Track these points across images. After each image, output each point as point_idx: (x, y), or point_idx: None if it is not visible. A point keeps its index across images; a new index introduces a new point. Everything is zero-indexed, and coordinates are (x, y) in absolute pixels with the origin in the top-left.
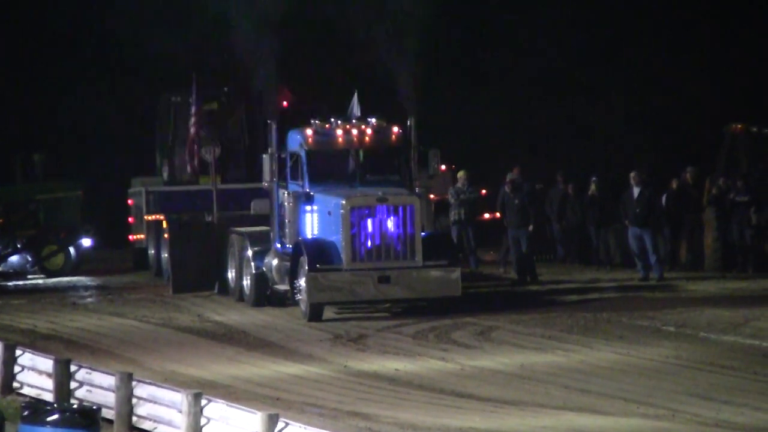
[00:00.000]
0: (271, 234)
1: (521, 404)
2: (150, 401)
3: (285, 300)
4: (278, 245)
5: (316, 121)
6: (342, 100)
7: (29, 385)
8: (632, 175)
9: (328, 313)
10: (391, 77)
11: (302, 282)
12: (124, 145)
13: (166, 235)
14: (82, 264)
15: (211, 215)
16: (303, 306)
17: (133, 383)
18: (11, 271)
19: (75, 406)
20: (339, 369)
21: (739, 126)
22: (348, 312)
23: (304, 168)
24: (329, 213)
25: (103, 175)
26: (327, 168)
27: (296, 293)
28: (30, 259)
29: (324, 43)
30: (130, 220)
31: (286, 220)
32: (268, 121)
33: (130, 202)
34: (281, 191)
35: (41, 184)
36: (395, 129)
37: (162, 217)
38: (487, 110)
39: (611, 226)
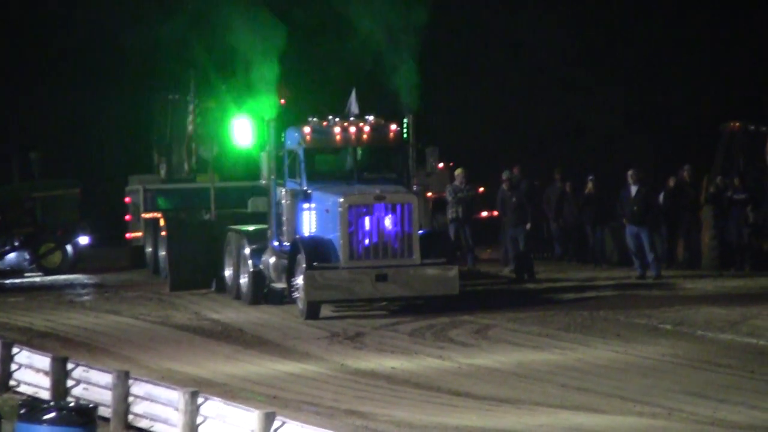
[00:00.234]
0: (269, 232)
1: (518, 402)
2: (147, 399)
3: (282, 298)
4: (275, 243)
5: (314, 119)
6: (340, 98)
7: (26, 383)
8: (629, 173)
9: (325, 311)
10: (390, 75)
11: (299, 280)
12: (122, 142)
13: (163, 233)
14: (80, 262)
15: (209, 213)
16: (300, 304)
17: (130, 381)
18: (8, 268)
19: (72, 404)
20: (336, 367)
21: (737, 124)
22: (345, 310)
23: (302, 166)
24: (327, 211)
25: (100, 172)
26: (325, 166)
27: (293, 291)
28: (27, 256)
29: (322, 40)
30: (128, 217)
31: (284, 218)
32: (266, 119)
33: (127, 199)
34: (279, 189)
35: (38, 182)
36: (393, 127)
37: (159, 215)
38: (485, 109)
39: (608, 224)
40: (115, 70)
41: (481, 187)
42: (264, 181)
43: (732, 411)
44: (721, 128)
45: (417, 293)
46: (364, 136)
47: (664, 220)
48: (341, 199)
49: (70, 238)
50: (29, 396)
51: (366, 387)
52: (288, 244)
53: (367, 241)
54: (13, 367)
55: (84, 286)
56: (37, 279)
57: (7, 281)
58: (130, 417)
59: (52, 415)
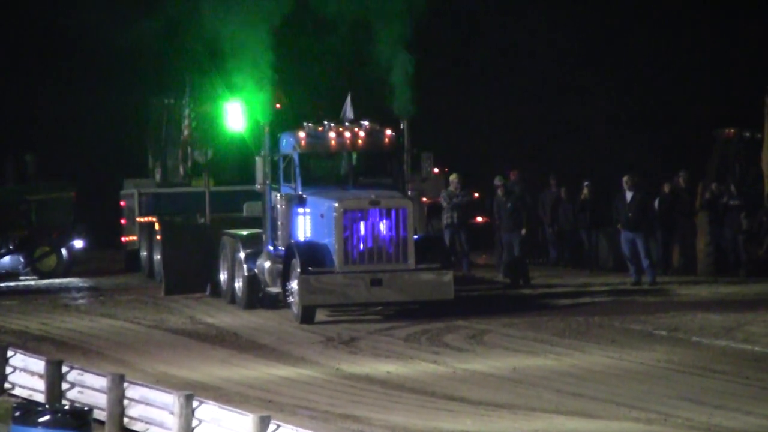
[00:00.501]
0: (264, 236)
1: (513, 408)
2: (142, 403)
3: (277, 302)
4: (270, 247)
5: (309, 124)
6: (335, 103)
7: (21, 386)
8: (625, 179)
9: (320, 315)
10: (384, 80)
11: (294, 284)
12: (117, 146)
13: (158, 237)
14: (74, 265)
15: (204, 217)
16: (295, 308)
17: (125, 385)
18: (3, 272)
19: (66, 408)
20: (331, 371)
21: (732, 131)
22: (340, 315)
23: (297, 170)
24: (322, 215)
25: (95, 176)
26: (320, 171)
27: (288, 296)
28: (22, 260)
29: (316, 45)
30: (123, 221)
31: (279, 223)
32: (261, 123)
33: (122, 203)
34: (274, 194)
35: (33, 184)
36: (388, 132)
37: (154, 219)
38: (480, 114)
39: (604, 229)
40: (110, 74)
41: (476, 192)
42: (259, 186)
43: (727, 417)
44: (716, 134)
45: (412, 298)
46: (359, 141)
47: (659, 226)
48: (336, 204)
49: (65, 241)
50: (24, 399)
51: (361, 391)
52: (283, 248)
53: (361, 246)
54: (8, 369)
55: (79, 289)
56: (32, 282)
57: (2, 284)
58: (125, 420)
59: (47, 417)
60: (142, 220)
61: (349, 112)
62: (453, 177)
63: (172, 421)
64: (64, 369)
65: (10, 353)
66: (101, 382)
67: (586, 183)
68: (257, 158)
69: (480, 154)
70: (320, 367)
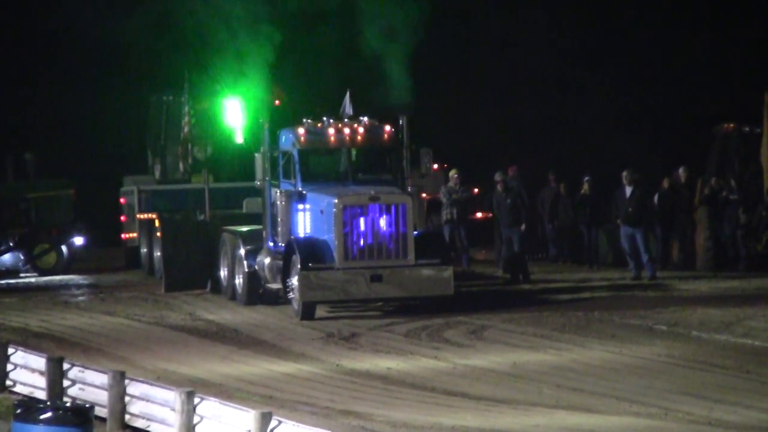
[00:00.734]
0: (264, 233)
1: (513, 403)
2: (143, 399)
3: (277, 299)
4: (270, 244)
5: (309, 120)
6: (335, 99)
7: (22, 383)
8: (624, 174)
9: (321, 311)
10: (384, 76)
11: (294, 281)
12: (116, 143)
13: (158, 234)
14: (74, 262)
15: (204, 214)
16: (295, 305)
17: (126, 381)
18: (3, 269)
19: (68, 404)
20: (331, 367)
21: (731, 126)
22: (340, 311)
23: (297, 167)
24: (321, 212)
25: (94, 173)
26: (319, 167)
27: (288, 292)
28: (22, 257)
29: (316, 41)
30: (122, 218)
31: (279, 219)
32: (260, 120)
33: (122, 200)
34: (274, 190)
35: (33, 182)
36: (387, 128)
37: (154, 216)
38: (479, 109)
39: (603, 225)
40: (110, 71)
41: (475, 188)
42: (259, 182)
43: (728, 411)
44: (715, 130)
45: (412, 294)
46: (359, 137)
47: (658, 221)
48: (336, 200)
49: (65, 238)
50: (25, 396)
51: (361, 387)
52: (283, 244)
53: (361, 242)
54: (9, 367)
55: (79, 286)
56: (32, 279)
57: (2, 282)
58: (127, 417)
59: (49, 414)
60: (142, 217)
61: (348, 108)
62: (452, 173)
63: (174, 418)
64: (65, 366)
65: (11, 350)
66: (102, 379)
67: (586, 178)
68: (257, 155)
69: (479, 150)
70: (321, 363)
